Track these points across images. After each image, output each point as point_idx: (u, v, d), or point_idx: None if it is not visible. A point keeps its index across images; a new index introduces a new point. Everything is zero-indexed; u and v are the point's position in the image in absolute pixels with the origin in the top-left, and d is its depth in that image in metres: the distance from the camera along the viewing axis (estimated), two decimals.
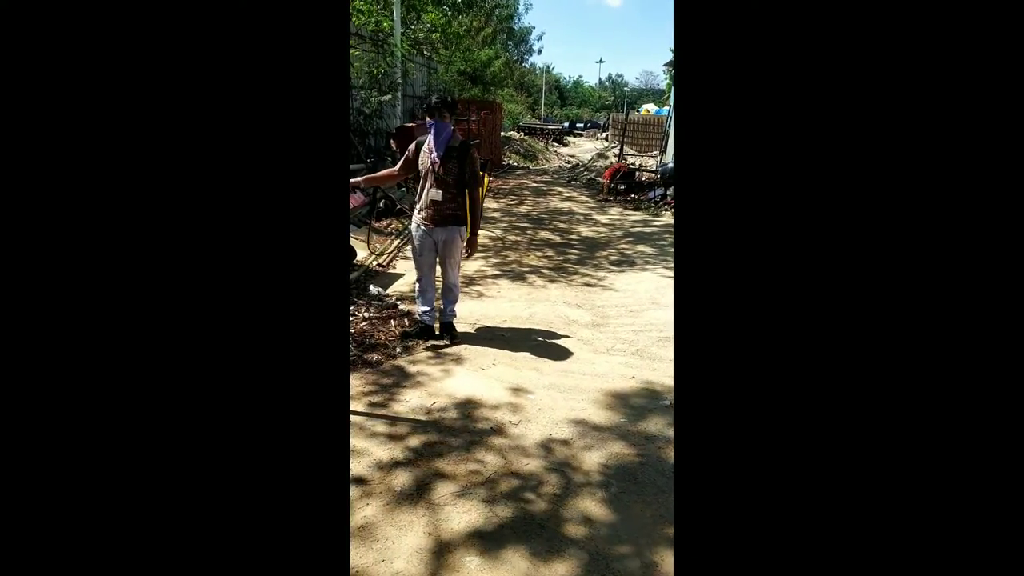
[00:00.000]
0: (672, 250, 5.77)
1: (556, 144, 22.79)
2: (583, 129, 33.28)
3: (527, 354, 3.25)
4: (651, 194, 9.00)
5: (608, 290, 4.56)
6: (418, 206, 3.28)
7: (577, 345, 3.41)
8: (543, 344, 3.41)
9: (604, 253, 5.83)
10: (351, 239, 4.83)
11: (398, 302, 4.00)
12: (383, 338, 3.38)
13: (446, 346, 3.32)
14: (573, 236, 6.60)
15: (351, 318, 3.59)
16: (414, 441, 2.34)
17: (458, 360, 3.16)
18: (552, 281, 4.77)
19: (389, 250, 5.29)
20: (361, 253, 4.93)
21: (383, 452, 2.25)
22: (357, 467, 2.14)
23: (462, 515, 1.91)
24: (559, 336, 3.55)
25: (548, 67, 47.34)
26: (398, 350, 3.24)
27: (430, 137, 3.20)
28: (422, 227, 3.24)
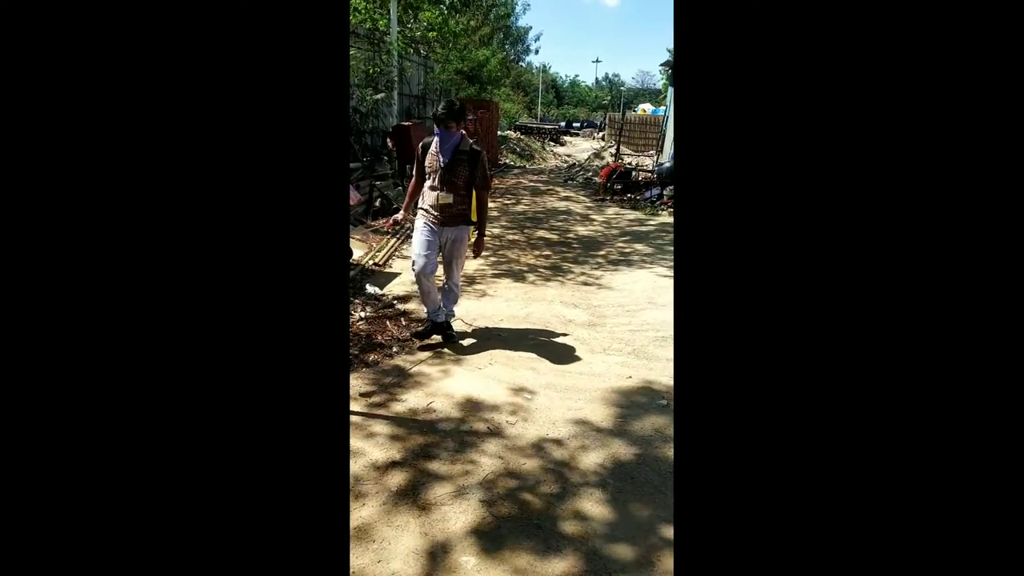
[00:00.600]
0: (669, 249, 5.80)
1: (553, 143, 22.79)
2: (580, 129, 33.27)
3: (524, 353, 3.25)
4: (647, 194, 9.02)
5: (605, 289, 4.56)
6: (423, 204, 3.21)
7: (574, 344, 3.41)
8: (540, 344, 3.41)
9: (601, 252, 5.83)
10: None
11: (395, 301, 3.99)
12: (380, 338, 3.37)
13: (444, 345, 3.31)
14: (570, 235, 6.60)
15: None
16: (411, 441, 2.33)
17: (456, 360, 3.15)
18: (549, 280, 4.77)
19: (386, 249, 5.28)
20: (357, 252, 4.92)
21: (380, 452, 2.24)
22: (354, 467, 2.13)
23: (459, 515, 1.90)
24: (556, 335, 3.55)
25: (545, 66, 47.34)
26: (395, 349, 3.24)
27: (436, 139, 3.12)
28: (430, 225, 3.17)
